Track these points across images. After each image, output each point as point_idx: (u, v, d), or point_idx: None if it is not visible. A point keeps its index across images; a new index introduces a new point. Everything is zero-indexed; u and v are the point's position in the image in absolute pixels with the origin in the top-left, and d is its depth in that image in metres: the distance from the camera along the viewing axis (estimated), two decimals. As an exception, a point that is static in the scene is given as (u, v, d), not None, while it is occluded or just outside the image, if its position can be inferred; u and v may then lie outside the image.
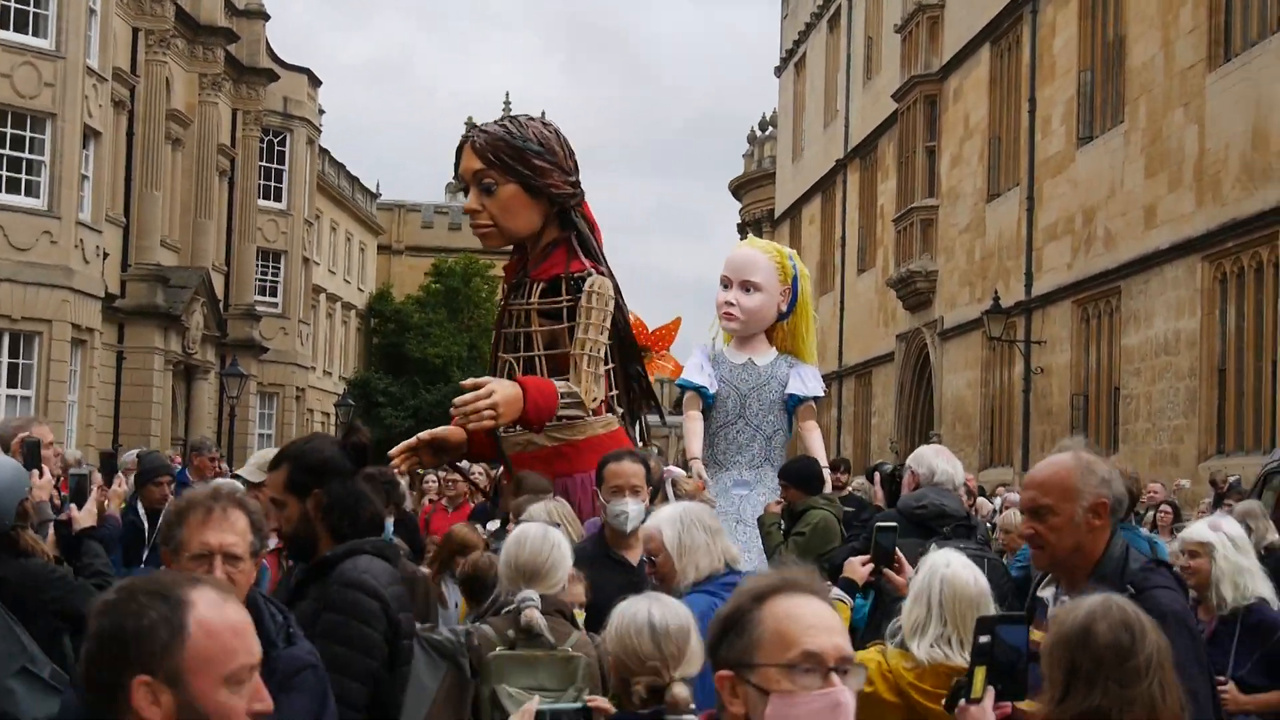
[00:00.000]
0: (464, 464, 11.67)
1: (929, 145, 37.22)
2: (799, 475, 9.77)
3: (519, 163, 7.81)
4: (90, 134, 34.84)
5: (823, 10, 49.45)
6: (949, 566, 5.56)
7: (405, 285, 70.31)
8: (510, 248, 8.85)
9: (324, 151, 57.96)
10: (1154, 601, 4.85)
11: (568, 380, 7.64)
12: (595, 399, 7.49)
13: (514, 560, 6.01)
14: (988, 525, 13.88)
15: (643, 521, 7.13)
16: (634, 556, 7.13)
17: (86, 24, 34.26)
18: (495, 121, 8.26)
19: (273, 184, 51.61)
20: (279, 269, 51.90)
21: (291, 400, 52.90)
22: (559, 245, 8.11)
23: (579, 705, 4.95)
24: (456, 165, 8.25)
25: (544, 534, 6.18)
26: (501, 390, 6.89)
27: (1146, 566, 5.33)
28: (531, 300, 8.34)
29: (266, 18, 50.49)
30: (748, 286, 9.76)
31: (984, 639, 4.26)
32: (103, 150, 36.13)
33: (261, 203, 50.52)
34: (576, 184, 7.90)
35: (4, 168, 32.85)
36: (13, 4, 32.91)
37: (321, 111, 55.52)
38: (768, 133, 61.24)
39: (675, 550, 5.89)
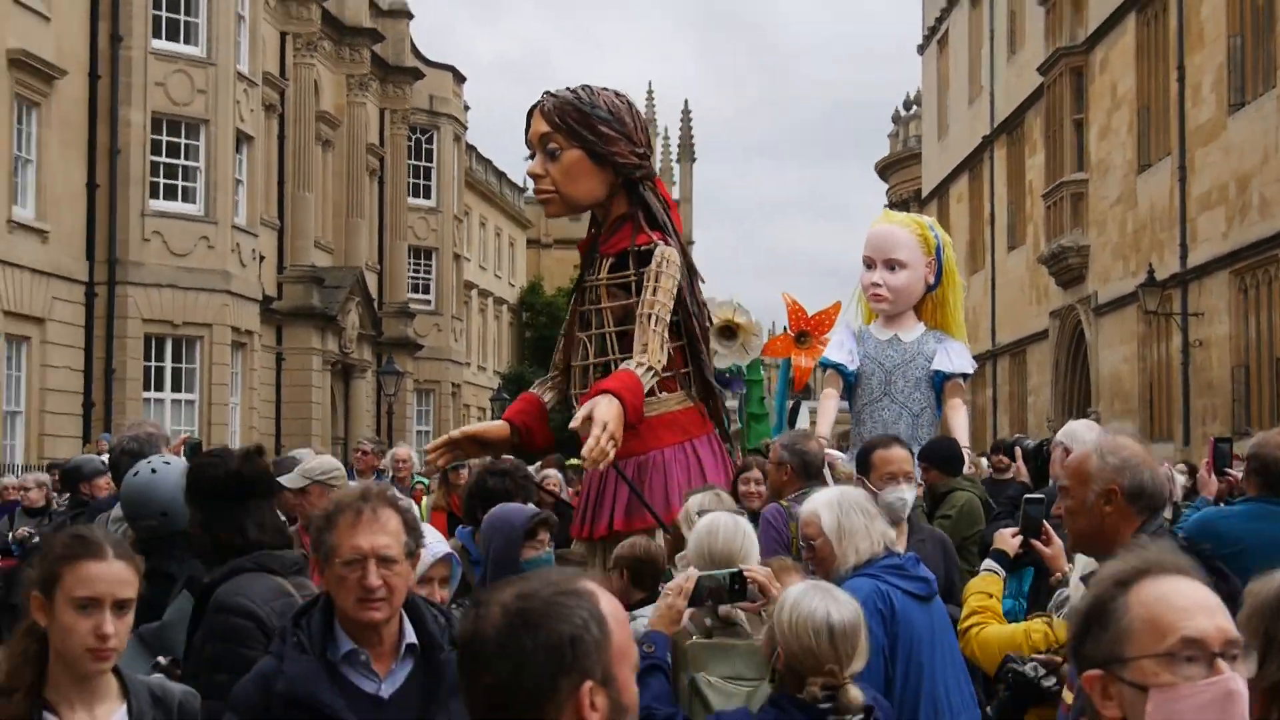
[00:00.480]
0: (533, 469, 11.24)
1: (1076, 118, 36.90)
2: (940, 456, 9.60)
3: (585, 128, 7.72)
4: (243, 139, 35.52)
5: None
6: None
7: (555, 278, 70.58)
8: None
9: (470, 148, 58.45)
10: None
11: (634, 356, 7.42)
12: (660, 361, 7.24)
13: (707, 549, 5.81)
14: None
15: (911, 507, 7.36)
16: (900, 544, 6.85)
17: (236, 30, 34.96)
18: (567, 88, 8.08)
19: (421, 181, 52.16)
20: (430, 266, 52.47)
21: (447, 396, 53.55)
22: (627, 220, 7.98)
23: (735, 570, 5.28)
24: (527, 130, 8.11)
25: (735, 522, 6.01)
26: (609, 417, 6.67)
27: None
28: (600, 275, 8.26)
29: (410, 17, 51.07)
30: (892, 265, 9.74)
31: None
32: (255, 154, 36.83)
33: (411, 200, 51.05)
34: (645, 157, 7.82)
35: (161, 175, 33.53)
36: (164, 13, 33.55)
37: (466, 108, 56.01)
38: (912, 112, 61.13)
39: (834, 535, 5.82)
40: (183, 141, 34.02)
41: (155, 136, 33.51)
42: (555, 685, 2.33)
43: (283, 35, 40.96)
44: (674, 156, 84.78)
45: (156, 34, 33.45)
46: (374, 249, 48.10)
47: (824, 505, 6.03)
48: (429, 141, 52.44)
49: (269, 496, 6.34)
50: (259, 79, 37.18)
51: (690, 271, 7.86)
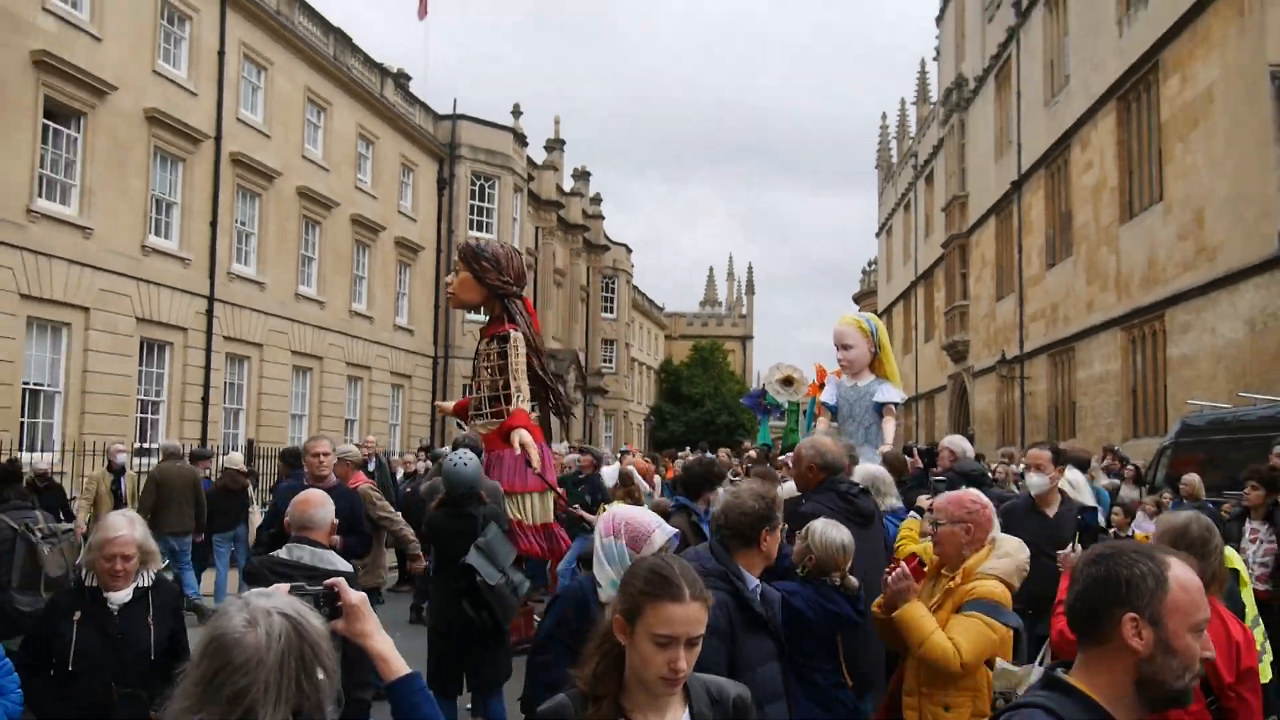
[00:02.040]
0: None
1: (963, 272, 36.45)
2: (893, 462, 8.29)
3: (474, 261, 7.38)
4: None
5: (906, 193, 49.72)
6: None
7: (678, 355, 71.70)
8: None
9: (634, 286, 59.71)
10: None
11: (513, 395, 7.09)
12: (524, 396, 6.86)
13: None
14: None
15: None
16: (1050, 511, 6.57)
17: (512, 225, 36.47)
18: (478, 238, 7.79)
19: (608, 304, 52.85)
20: (613, 350, 53.06)
21: (621, 418, 54.24)
22: (500, 318, 7.50)
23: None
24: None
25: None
26: (528, 444, 6.49)
27: None
28: (485, 347, 7.83)
29: (603, 218, 52.42)
30: (845, 346, 9.41)
31: None
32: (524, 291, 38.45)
33: (603, 315, 51.95)
34: (509, 284, 7.17)
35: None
36: (476, 217, 35.63)
37: (632, 265, 57.22)
38: (872, 268, 61.15)
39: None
40: None
41: None
42: (1108, 608, 2.11)
43: (536, 228, 42.27)
44: (743, 290, 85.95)
45: (472, 227, 34.75)
46: (583, 340, 48.69)
47: (860, 475, 5.85)
48: (612, 284, 53.20)
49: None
50: (524, 250, 38.26)
51: (538, 347, 7.33)
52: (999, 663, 4.10)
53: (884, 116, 57.27)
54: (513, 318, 7.00)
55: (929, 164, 44.12)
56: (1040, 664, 4.18)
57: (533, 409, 7.02)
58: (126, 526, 4.47)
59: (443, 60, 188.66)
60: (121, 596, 4.44)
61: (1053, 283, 28.04)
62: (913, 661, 4.06)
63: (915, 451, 10.61)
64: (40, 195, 18.06)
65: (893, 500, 6.26)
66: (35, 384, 18.10)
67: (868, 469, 6.28)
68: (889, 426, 9.12)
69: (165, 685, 4.02)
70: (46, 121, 18.15)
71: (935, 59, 44.54)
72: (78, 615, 4.34)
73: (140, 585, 4.50)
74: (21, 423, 17.55)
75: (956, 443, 8.70)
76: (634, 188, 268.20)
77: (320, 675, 2.01)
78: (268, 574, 4.28)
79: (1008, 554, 4.13)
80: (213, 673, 1.92)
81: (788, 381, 17.02)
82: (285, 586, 2.26)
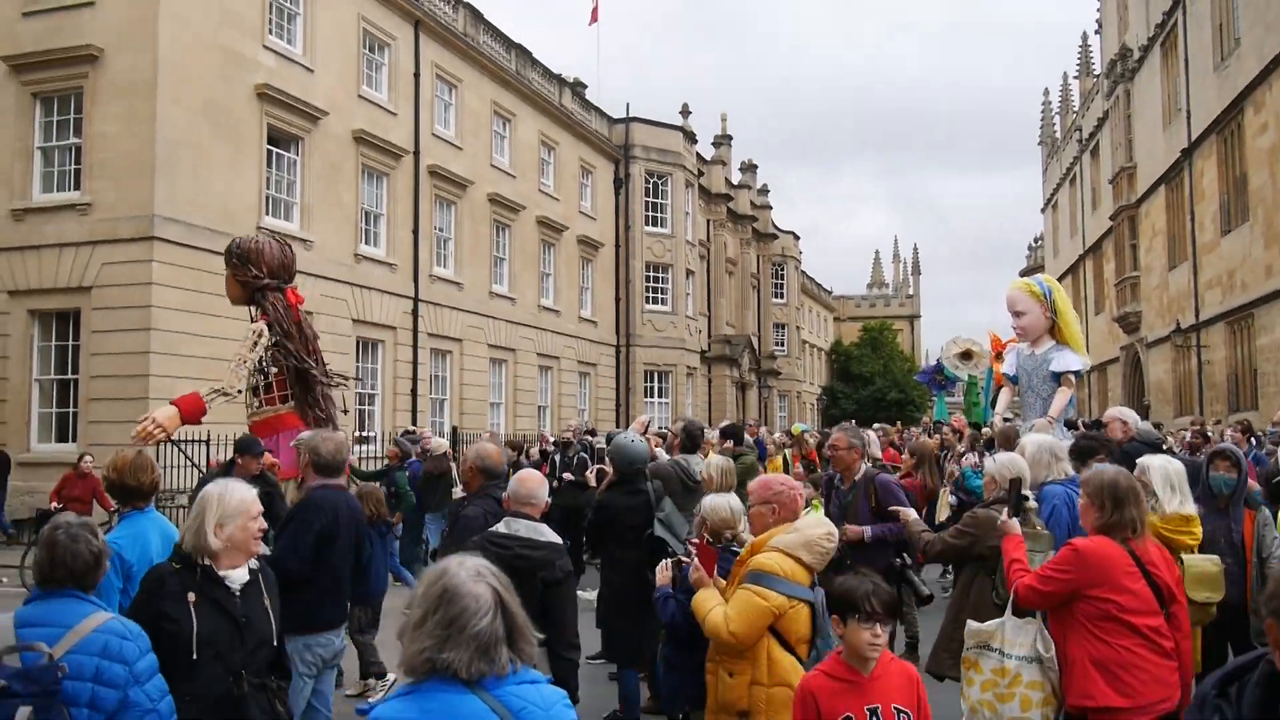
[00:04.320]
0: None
1: (1132, 243, 34.99)
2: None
3: (231, 258, 6.81)
4: (689, 274, 36.65)
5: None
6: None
7: (847, 336, 70.73)
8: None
9: (803, 271, 59.05)
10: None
11: (223, 383, 6.31)
12: (237, 389, 6.13)
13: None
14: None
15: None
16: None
17: (684, 219, 36.61)
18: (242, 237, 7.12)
19: (778, 290, 52.35)
20: (784, 333, 52.51)
21: (794, 398, 53.73)
22: (259, 310, 6.78)
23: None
24: None
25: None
26: (159, 415, 5.75)
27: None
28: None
29: (770, 207, 52.04)
30: (1018, 314, 8.62)
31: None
32: (696, 280, 37.95)
33: (774, 300, 51.63)
34: (259, 277, 6.55)
35: (651, 293, 35.59)
36: (651, 213, 35.88)
37: (800, 252, 56.73)
38: (1039, 243, 58.59)
39: (1030, 462, 5.40)
40: (658, 275, 35.53)
41: (647, 273, 35.15)
42: None
43: (708, 221, 42.23)
44: (909, 271, 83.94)
45: (647, 223, 35.29)
46: (755, 325, 48.44)
47: (1031, 445, 5.72)
48: (782, 271, 52.60)
49: None
50: (696, 242, 38.21)
51: (301, 335, 6.64)
52: (970, 624, 4.35)
53: (1045, 92, 54.63)
54: (265, 310, 6.43)
55: (1094, 137, 41.96)
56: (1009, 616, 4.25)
57: (290, 395, 6.40)
58: (250, 489, 3.89)
59: (609, 63, 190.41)
60: (241, 575, 3.77)
61: (1228, 249, 26.26)
62: None
63: (1080, 424, 9.74)
64: (268, 213, 19.22)
65: (1066, 466, 5.81)
66: (269, 381, 19.22)
67: (1036, 439, 5.90)
68: (1060, 396, 8.26)
69: (280, 675, 3.97)
70: (269, 147, 19.29)
71: (1097, 31, 42.29)
72: (193, 597, 3.61)
73: (251, 566, 3.84)
74: (259, 415, 18.66)
75: (1126, 413, 7.93)
76: (788, 177, 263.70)
77: (527, 625, 2.24)
78: (488, 546, 4.26)
79: (797, 529, 4.11)
80: (454, 616, 2.13)
81: (966, 355, 16.49)
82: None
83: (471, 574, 2.19)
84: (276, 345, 6.30)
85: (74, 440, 16.73)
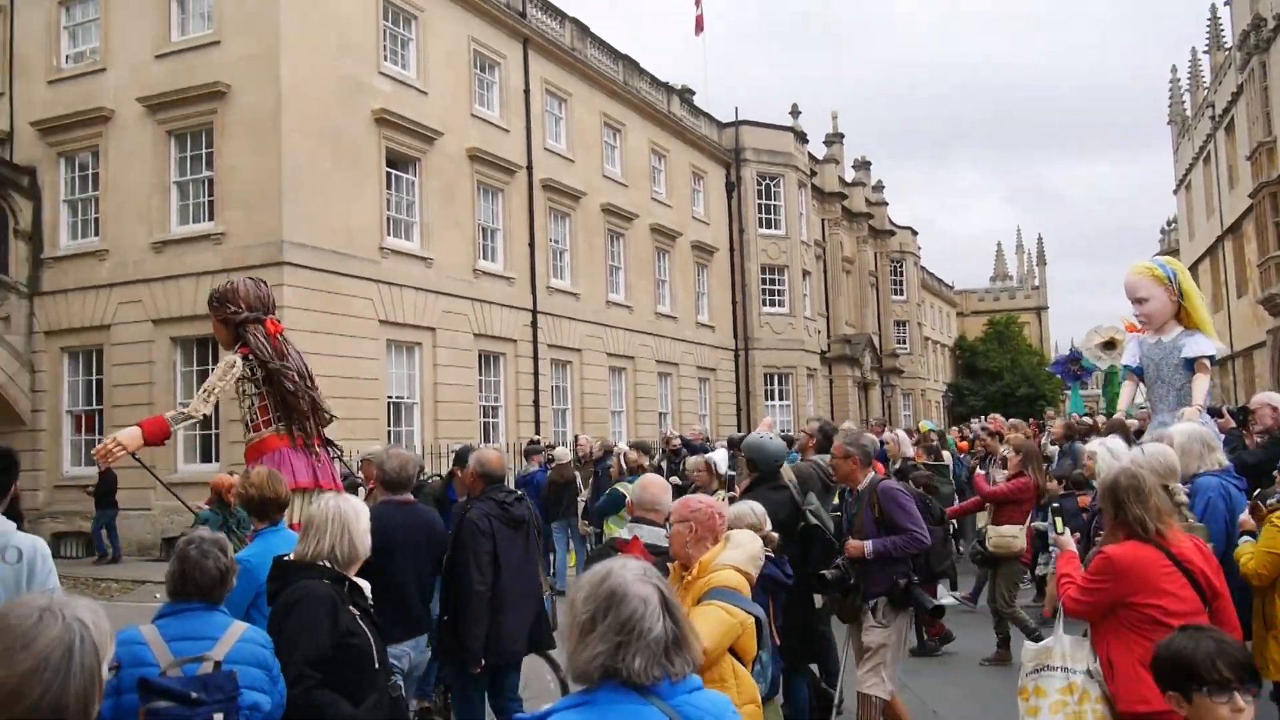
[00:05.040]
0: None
1: (1275, 220, 33.30)
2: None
3: (211, 304, 6.46)
4: (805, 274, 36.21)
5: None
6: None
7: (971, 331, 68.97)
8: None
9: (922, 266, 57.63)
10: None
11: (189, 407, 6.13)
12: (201, 414, 6.03)
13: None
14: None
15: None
16: None
17: (799, 220, 36.24)
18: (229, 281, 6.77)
19: (898, 287, 51.23)
20: (906, 330, 51.30)
21: (918, 396, 52.36)
22: (238, 341, 6.34)
23: None
24: None
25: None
26: (122, 436, 5.63)
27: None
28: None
29: (886, 204, 51.06)
30: (1139, 300, 8.10)
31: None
32: (813, 280, 37.57)
33: (893, 297, 50.55)
34: (237, 311, 6.38)
35: (767, 294, 35.27)
36: (764, 215, 35.42)
37: (919, 247, 55.53)
38: (1172, 226, 55.90)
39: (1178, 451, 5.20)
40: (774, 277, 35.26)
41: (763, 276, 34.75)
42: None
43: (822, 220, 41.74)
44: (1033, 262, 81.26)
45: (760, 225, 34.94)
46: (875, 323, 47.57)
47: (1178, 433, 5.53)
48: (900, 268, 51.51)
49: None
50: (811, 242, 37.87)
51: (280, 358, 6.37)
52: (1026, 645, 4.30)
53: (1174, 69, 52.11)
54: (246, 343, 6.44)
55: (1228, 112, 39.81)
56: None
57: (277, 419, 6.28)
58: None
59: (715, 69, 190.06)
60: (365, 584, 3.90)
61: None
62: None
63: (1225, 411, 9.17)
64: (389, 234, 19.64)
65: (1220, 456, 5.54)
66: (396, 397, 19.70)
67: (1186, 428, 5.60)
68: (1200, 383, 7.74)
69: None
70: (388, 169, 19.72)
71: (1226, 3, 40.12)
72: (355, 610, 3.73)
73: None
74: (388, 431, 19.14)
75: (1276, 398, 7.33)
76: (899, 172, 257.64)
77: (690, 628, 2.22)
78: (612, 555, 4.22)
79: (740, 545, 4.14)
80: (626, 619, 2.05)
81: (1109, 345, 15.97)
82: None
83: (637, 574, 2.12)
84: (254, 376, 6.33)
85: (216, 460, 17.33)
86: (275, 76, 17.43)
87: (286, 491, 4.79)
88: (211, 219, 18.04)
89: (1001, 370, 59.90)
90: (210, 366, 17.81)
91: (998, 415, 16.31)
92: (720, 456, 9.46)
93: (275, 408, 6.32)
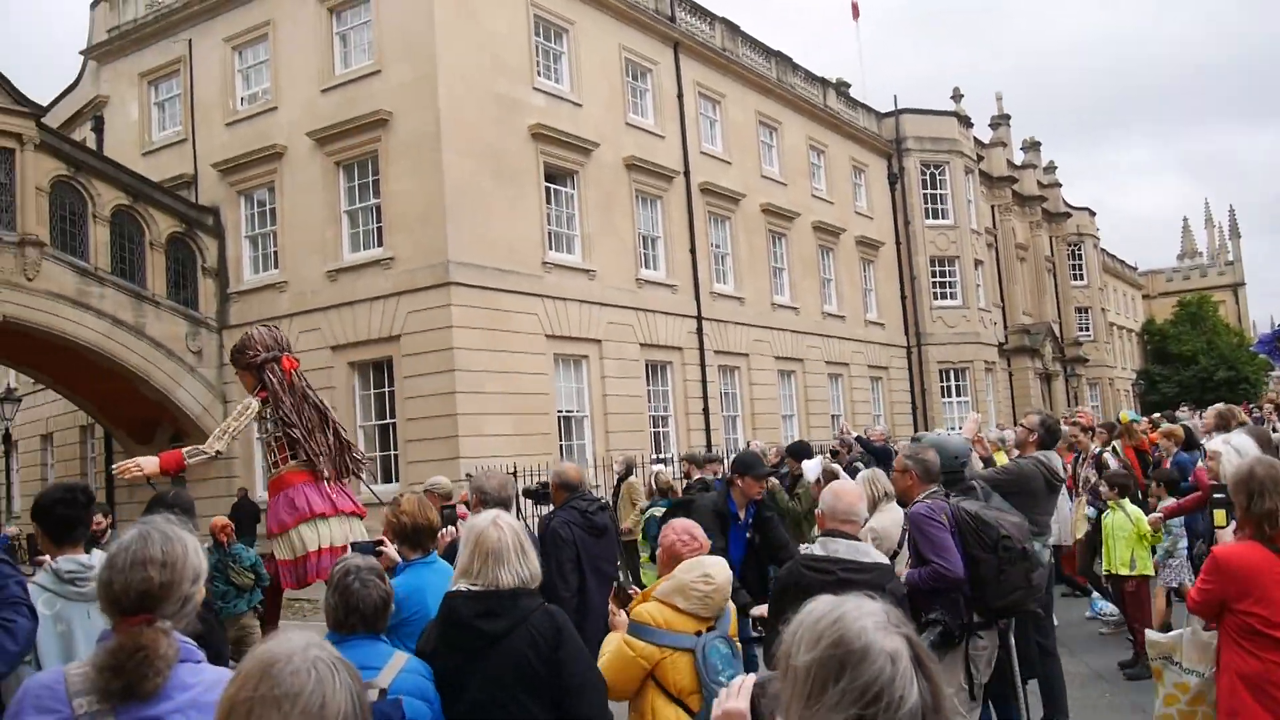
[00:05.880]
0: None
1: None
2: None
3: (233, 357, 6.61)
4: (978, 263, 34.82)
5: None
6: None
7: (1160, 313, 64.91)
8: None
9: (1102, 249, 54.53)
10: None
11: (205, 443, 6.31)
12: (213, 446, 6.17)
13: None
14: None
15: None
16: None
17: (968, 207, 34.88)
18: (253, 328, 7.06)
19: (1077, 272, 48.78)
20: (1088, 317, 48.71)
21: (1106, 385, 49.61)
22: (259, 385, 6.53)
23: None
24: None
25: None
26: (142, 462, 5.83)
27: None
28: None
29: (1059, 185, 48.66)
30: None
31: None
32: (985, 270, 36.10)
33: (1073, 283, 48.10)
34: (255, 355, 6.54)
35: (937, 288, 33.90)
36: (930, 205, 34.14)
37: (1098, 228, 52.45)
38: None
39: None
40: (944, 269, 34.19)
41: (932, 268, 33.53)
42: None
43: (992, 206, 40.13)
44: (1225, 236, 75.85)
45: (926, 215, 33.69)
46: (1055, 311, 45.43)
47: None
48: (1079, 251, 49.03)
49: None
50: (982, 231, 36.40)
51: (297, 397, 6.57)
52: (1149, 634, 4.25)
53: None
54: (265, 385, 6.51)
55: None
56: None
57: (292, 455, 6.34)
58: None
59: (870, 58, 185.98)
60: None
61: None
62: None
63: None
64: (551, 248, 19.59)
65: None
66: (566, 411, 19.58)
67: None
68: None
69: None
70: (547, 184, 19.68)
71: None
72: None
73: None
74: (560, 445, 19.03)
75: None
76: (1065, 152, 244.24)
77: (943, 689, 1.65)
78: (804, 571, 3.97)
79: (674, 576, 3.88)
80: (867, 684, 1.50)
81: None
82: None
83: (878, 622, 1.55)
84: (272, 416, 6.52)
85: (396, 480, 17.57)
86: (434, 101, 17.60)
87: (437, 518, 4.70)
88: (380, 244, 18.36)
89: (1196, 354, 56.02)
90: (386, 389, 18.14)
91: (1085, 409, 14.73)
92: (812, 466, 9.19)
93: (290, 444, 6.50)
